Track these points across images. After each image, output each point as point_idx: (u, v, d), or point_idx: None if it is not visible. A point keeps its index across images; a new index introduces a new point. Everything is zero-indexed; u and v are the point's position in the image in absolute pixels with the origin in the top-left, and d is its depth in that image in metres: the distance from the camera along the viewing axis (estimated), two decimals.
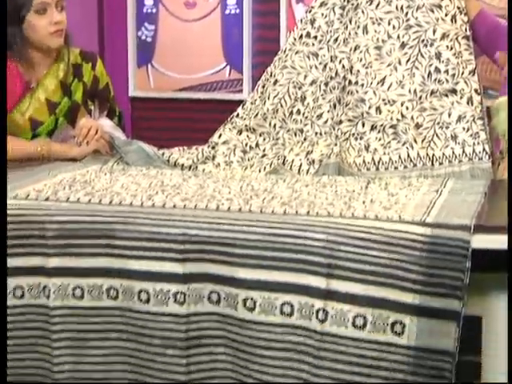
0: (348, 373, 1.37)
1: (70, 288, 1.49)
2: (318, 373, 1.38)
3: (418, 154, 1.79)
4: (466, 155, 1.77)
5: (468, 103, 1.80)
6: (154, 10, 3.05)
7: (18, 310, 1.51)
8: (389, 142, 1.82)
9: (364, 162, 1.81)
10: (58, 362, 1.50)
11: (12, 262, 1.49)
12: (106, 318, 1.48)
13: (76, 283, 1.48)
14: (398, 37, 1.86)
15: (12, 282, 1.50)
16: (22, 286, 1.51)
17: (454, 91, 1.81)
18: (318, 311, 1.38)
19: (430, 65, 1.83)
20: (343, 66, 1.90)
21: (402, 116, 1.82)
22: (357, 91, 1.85)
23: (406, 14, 1.86)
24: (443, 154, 1.78)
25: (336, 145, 1.88)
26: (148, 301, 1.45)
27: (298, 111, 1.95)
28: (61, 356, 1.50)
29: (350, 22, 1.90)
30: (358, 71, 1.86)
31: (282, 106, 1.96)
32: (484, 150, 1.76)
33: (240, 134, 1.98)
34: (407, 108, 1.82)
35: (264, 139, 1.97)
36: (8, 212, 1.49)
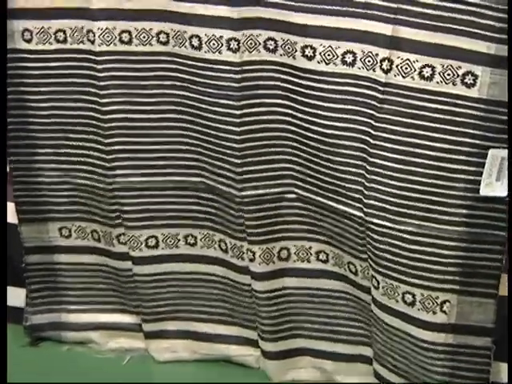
0: (410, 126, 1.30)
1: (116, 33, 1.45)
2: (379, 126, 1.32)
3: None
4: None
5: None
6: None
7: (61, 56, 1.50)
8: None
9: None
10: (108, 111, 1.49)
11: None
12: (156, 64, 1.46)
13: (123, 27, 1.44)
14: None
15: (54, 26, 1.48)
16: (64, 30, 1.48)
17: None
18: (382, 61, 1.30)
19: None
20: None
21: None
22: None
23: None
24: None
25: None
26: (200, 47, 1.40)
27: None
28: (110, 104, 1.49)
29: None
30: None
31: None
32: None
33: None
34: None
35: None
36: None
